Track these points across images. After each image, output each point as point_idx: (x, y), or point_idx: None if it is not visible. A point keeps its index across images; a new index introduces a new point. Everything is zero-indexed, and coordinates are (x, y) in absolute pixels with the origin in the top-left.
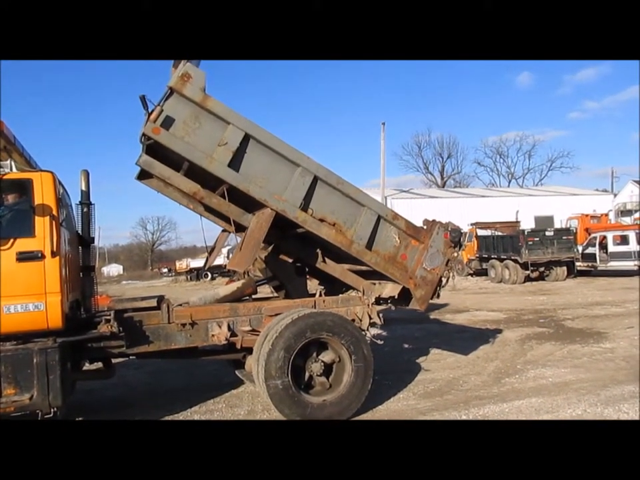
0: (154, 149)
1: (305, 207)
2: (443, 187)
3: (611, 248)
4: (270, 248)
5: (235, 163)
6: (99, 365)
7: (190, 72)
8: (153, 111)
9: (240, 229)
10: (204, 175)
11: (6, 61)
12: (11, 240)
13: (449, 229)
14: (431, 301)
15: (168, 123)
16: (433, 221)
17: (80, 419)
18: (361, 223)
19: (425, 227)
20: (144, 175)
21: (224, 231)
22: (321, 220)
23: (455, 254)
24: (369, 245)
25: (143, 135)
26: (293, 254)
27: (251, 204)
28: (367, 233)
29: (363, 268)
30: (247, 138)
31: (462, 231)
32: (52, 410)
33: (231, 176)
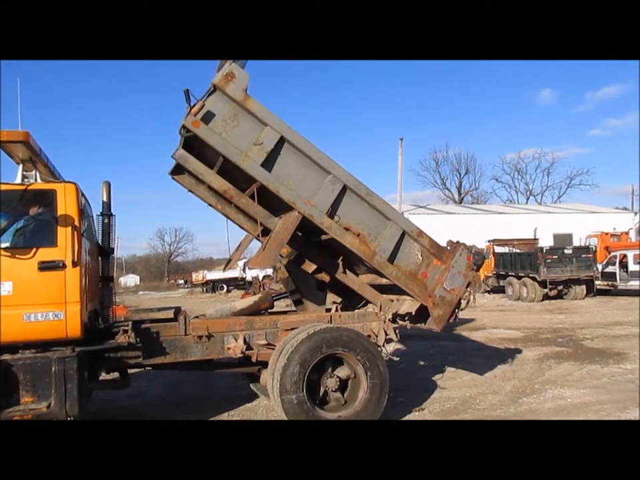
0: (190, 145)
1: (331, 213)
2: (460, 203)
3: (632, 267)
4: (293, 256)
5: (268, 163)
6: (115, 375)
7: (234, 72)
8: (194, 105)
9: (264, 233)
10: (236, 175)
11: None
12: (34, 249)
13: (472, 252)
14: None
15: (208, 117)
16: (457, 242)
17: None
18: (385, 236)
19: (448, 247)
20: (177, 171)
21: (248, 234)
22: (346, 229)
23: (476, 277)
24: (391, 259)
25: (183, 127)
26: (315, 262)
27: (278, 208)
28: (390, 247)
29: (383, 281)
30: (282, 140)
31: (485, 254)
32: (68, 418)
33: (263, 175)
